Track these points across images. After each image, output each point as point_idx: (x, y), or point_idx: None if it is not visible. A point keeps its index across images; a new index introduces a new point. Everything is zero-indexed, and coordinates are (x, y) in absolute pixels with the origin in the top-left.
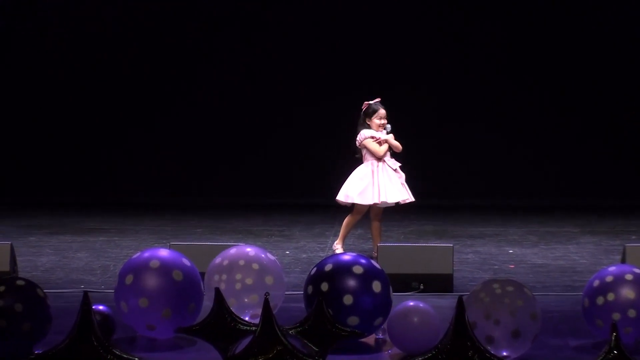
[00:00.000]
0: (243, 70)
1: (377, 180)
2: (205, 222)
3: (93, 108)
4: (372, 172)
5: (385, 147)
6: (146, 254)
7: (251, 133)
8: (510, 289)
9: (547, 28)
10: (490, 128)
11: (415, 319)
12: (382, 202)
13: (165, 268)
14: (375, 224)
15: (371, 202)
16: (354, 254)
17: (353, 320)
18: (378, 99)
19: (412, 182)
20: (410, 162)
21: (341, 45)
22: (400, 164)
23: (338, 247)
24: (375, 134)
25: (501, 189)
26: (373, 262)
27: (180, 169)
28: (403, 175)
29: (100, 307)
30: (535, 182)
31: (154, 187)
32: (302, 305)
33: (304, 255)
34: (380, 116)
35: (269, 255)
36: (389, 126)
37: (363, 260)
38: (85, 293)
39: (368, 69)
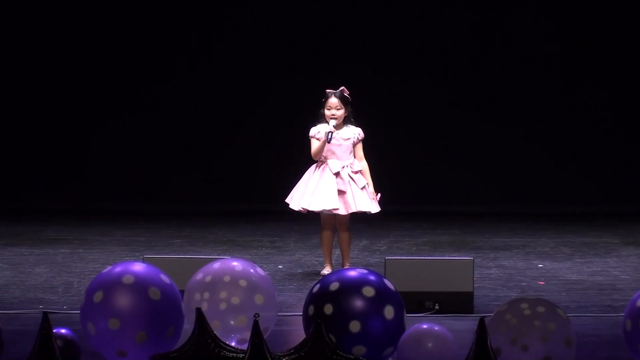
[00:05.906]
0: (227, 62)
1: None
2: (185, 231)
3: (51, 105)
4: None
5: None
6: (118, 268)
7: (238, 130)
8: (541, 309)
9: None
10: (517, 124)
11: (430, 345)
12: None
13: (141, 285)
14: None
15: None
16: (364, 270)
17: (359, 350)
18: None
19: (426, 185)
20: (425, 162)
21: (331, 27)
22: None
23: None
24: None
25: (529, 193)
26: (386, 281)
27: (154, 171)
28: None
29: (63, 331)
30: (569, 186)
31: (125, 192)
32: (297, 328)
33: (300, 271)
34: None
35: (258, 270)
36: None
37: (375, 280)
38: (45, 314)
39: (369, 58)
